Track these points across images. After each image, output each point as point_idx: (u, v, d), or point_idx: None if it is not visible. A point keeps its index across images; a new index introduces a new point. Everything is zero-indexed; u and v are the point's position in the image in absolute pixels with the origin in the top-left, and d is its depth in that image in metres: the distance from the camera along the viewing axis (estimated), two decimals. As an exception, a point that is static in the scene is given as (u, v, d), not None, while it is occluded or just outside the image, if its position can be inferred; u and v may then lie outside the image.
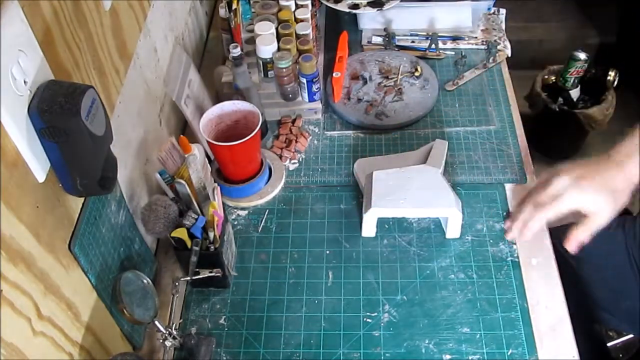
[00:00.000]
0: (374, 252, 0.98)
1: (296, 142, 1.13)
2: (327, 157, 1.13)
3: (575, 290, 0.98)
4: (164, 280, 0.97)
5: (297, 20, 1.19)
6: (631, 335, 1.56)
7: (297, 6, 1.20)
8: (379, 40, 1.33)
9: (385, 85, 1.23)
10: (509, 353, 0.85)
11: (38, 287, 0.62)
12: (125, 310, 0.75)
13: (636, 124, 0.86)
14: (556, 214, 0.86)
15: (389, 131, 1.16)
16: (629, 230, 1.08)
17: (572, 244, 0.88)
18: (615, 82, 1.91)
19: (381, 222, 1.00)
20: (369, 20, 1.37)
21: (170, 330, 0.82)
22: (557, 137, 2.08)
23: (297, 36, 1.17)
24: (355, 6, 1.29)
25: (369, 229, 0.99)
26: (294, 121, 1.18)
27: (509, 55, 1.29)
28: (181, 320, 0.91)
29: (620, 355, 1.58)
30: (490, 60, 1.26)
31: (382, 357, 0.86)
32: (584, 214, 0.86)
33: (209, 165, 1.04)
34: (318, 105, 1.18)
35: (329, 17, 1.39)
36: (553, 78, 1.97)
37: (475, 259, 0.95)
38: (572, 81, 1.89)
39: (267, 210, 1.05)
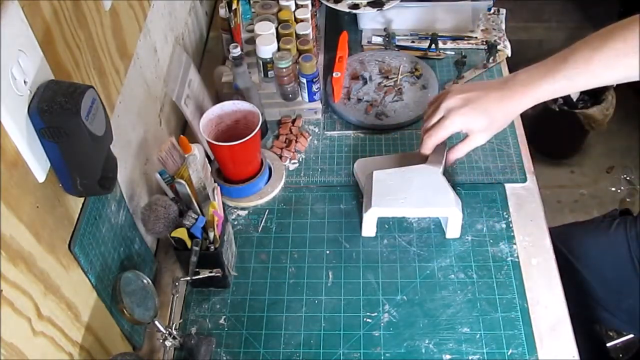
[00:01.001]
0: (374, 252, 0.98)
1: (296, 142, 1.13)
2: (327, 157, 1.13)
3: (575, 290, 0.98)
4: (164, 280, 0.97)
5: (297, 20, 1.19)
6: (631, 335, 1.56)
7: (297, 6, 1.20)
8: (379, 40, 1.33)
9: (385, 85, 1.23)
10: (509, 353, 0.85)
11: (38, 287, 0.62)
12: (125, 310, 0.75)
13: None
14: (443, 137, 0.94)
15: (389, 131, 1.16)
16: (629, 230, 1.08)
17: (450, 160, 0.99)
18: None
19: (381, 222, 1.00)
20: (369, 20, 1.37)
21: (170, 330, 0.82)
22: (557, 137, 2.08)
23: (297, 36, 1.17)
24: (355, 6, 1.29)
25: (369, 229, 0.99)
26: (294, 121, 1.18)
27: (509, 55, 1.29)
28: (181, 320, 0.91)
29: (620, 355, 1.59)
30: (490, 60, 1.26)
31: (382, 357, 0.86)
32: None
33: (209, 165, 1.05)
34: (318, 105, 1.18)
35: (329, 17, 1.39)
36: (553, 78, 1.97)
37: (475, 259, 0.96)
38: (572, 81, 1.89)
39: (267, 210, 1.05)
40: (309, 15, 1.19)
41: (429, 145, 0.96)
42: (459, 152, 0.97)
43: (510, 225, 0.99)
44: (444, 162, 1.04)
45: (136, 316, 0.77)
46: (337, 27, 1.37)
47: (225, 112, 1.01)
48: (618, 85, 1.91)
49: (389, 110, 1.18)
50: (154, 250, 1.00)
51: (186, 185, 0.83)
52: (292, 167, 1.11)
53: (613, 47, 0.81)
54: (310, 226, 1.02)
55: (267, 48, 1.12)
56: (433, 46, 1.28)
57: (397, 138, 1.15)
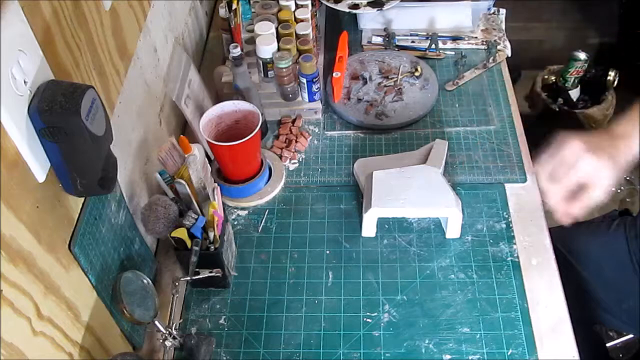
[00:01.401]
0: (374, 252, 0.98)
1: (296, 142, 1.13)
2: (327, 157, 1.13)
3: (575, 291, 0.98)
4: (164, 280, 0.97)
5: (297, 20, 1.19)
6: (631, 335, 1.56)
7: (297, 6, 1.20)
8: (379, 40, 1.33)
9: (385, 85, 1.23)
10: (509, 353, 0.85)
11: (38, 287, 0.62)
12: (125, 310, 0.75)
13: (636, 101, 0.86)
14: (573, 184, 0.85)
15: (389, 131, 1.16)
16: (629, 231, 1.08)
17: (568, 218, 0.88)
18: (615, 82, 1.91)
19: (381, 222, 1.00)
20: (369, 20, 1.37)
21: (170, 330, 0.82)
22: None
23: (297, 36, 1.17)
24: (355, 6, 1.29)
25: (369, 229, 0.99)
26: (294, 121, 1.18)
27: (509, 55, 1.29)
28: (181, 320, 0.91)
29: (620, 355, 1.59)
30: (490, 60, 1.26)
31: (382, 357, 0.86)
32: (584, 187, 0.86)
33: (209, 165, 1.04)
34: (318, 105, 1.18)
35: (329, 17, 1.39)
36: (553, 78, 1.97)
37: (475, 259, 0.96)
38: (572, 81, 1.90)
39: (267, 210, 1.05)
40: (309, 15, 1.19)
41: (555, 194, 0.87)
42: (580, 208, 0.87)
43: (510, 225, 0.99)
44: (443, 162, 1.04)
45: (136, 316, 0.77)
46: (337, 27, 1.37)
47: (225, 112, 1.01)
48: (618, 86, 1.92)
49: (389, 110, 1.18)
50: (154, 250, 1.00)
51: (186, 185, 0.83)
52: (292, 167, 1.11)
53: None
54: (310, 226, 1.02)
55: (267, 48, 1.12)
56: (433, 46, 1.28)
57: (397, 138, 1.15)
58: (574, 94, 1.94)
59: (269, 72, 1.16)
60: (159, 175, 0.87)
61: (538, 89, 1.97)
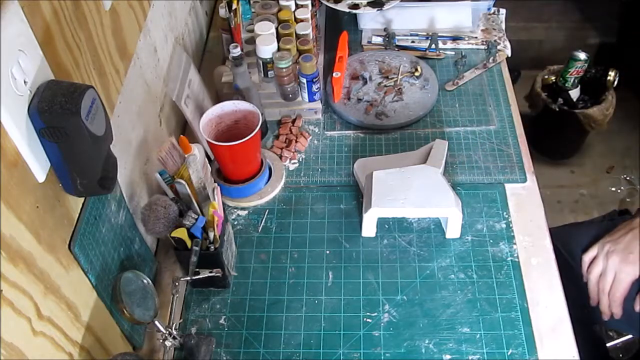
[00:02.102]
0: (374, 252, 0.98)
1: (296, 142, 1.13)
2: (327, 157, 1.13)
3: (575, 291, 0.98)
4: (164, 280, 0.97)
5: (297, 20, 1.19)
6: (631, 335, 1.56)
7: (297, 6, 1.20)
8: (379, 40, 1.33)
9: (385, 85, 1.23)
10: (509, 353, 0.85)
11: (38, 287, 0.62)
12: (125, 310, 0.75)
13: None
14: (624, 291, 0.99)
15: (389, 131, 1.16)
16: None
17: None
18: (615, 82, 1.91)
19: (381, 222, 1.00)
20: (369, 20, 1.37)
21: (170, 330, 0.82)
22: (557, 137, 2.08)
23: (297, 36, 1.17)
24: (355, 6, 1.29)
25: (369, 229, 0.99)
26: (294, 121, 1.18)
27: (509, 55, 1.29)
28: (181, 320, 0.91)
29: (620, 355, 1.59)
30: (490, 60, 1.26)
31: (382, 357, 0.86)
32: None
33: (209, 165, 1.05)
34: (318, 105, 1.18)
35: (329, 17, 1.39)
36: (553, 78, 1.97)
37: (475, 259, 0.96)
38: (572, 81, 1.90)
39: (267, 210, 1.05)
40: (309, 15, 1.19)
41: (618, 307, 1.01)
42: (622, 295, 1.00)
43: (510, 225, 0.99)
44: (443, 162, 1.04)
45: (136, 316, 0.77)
46: (337, 27, 1.37)
47: (225, 112, 1.01)
48: (618, 85, 1.92)
49: (389, 110, 1.18)
50: (154, 250, 1.00)
51: (186, 185, 0.83)
52: (292, 167, 1.11)
53: None
54: (310, 226, 1.02)
55: (267, 48, 1.12)
56: (433, 46, 1.28)
57: (397, 138, 1.15)
58: (574, 94, 1.94)
59: (269, 72, 1.16)
60: (159, 175, 0.87)
61: (538, 89, 1.97)
